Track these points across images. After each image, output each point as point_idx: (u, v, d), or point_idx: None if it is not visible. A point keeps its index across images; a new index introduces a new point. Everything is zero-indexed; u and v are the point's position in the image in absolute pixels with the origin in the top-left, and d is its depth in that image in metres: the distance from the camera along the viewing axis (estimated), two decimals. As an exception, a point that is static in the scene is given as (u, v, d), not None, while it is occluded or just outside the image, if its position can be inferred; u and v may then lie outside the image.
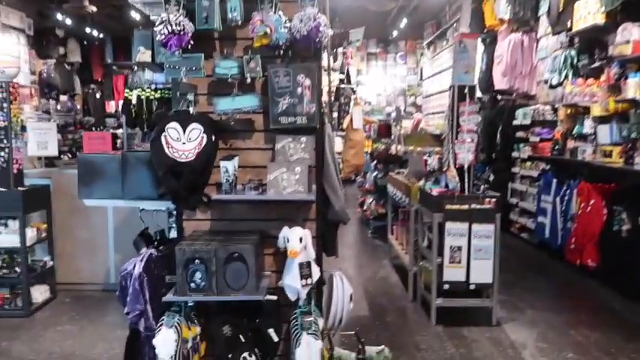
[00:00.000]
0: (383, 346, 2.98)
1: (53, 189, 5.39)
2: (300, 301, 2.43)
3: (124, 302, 2.71)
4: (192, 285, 2.26)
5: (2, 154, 4.80)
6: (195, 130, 2.39)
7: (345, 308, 2.76)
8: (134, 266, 2.67)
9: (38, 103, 10.40)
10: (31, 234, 4.91)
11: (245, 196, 2.30)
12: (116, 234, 5.44)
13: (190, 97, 2.53)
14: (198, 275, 2.25)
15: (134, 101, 3.46)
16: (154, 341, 2.26)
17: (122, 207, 2.86)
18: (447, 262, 4.53)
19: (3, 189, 4.79)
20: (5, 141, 4.79)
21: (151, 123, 2.61)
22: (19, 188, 4.84)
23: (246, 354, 2.31)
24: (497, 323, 4.66)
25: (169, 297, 2.30)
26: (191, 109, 2.53)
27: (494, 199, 4.54)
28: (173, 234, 4.44)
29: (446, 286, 4.56)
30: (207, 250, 2.24)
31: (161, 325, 2.31)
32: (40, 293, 5.05)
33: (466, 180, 4.66)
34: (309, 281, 2.36)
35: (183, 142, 2.40)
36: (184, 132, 2.40)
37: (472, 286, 4.56)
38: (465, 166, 4.63)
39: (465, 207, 4.50)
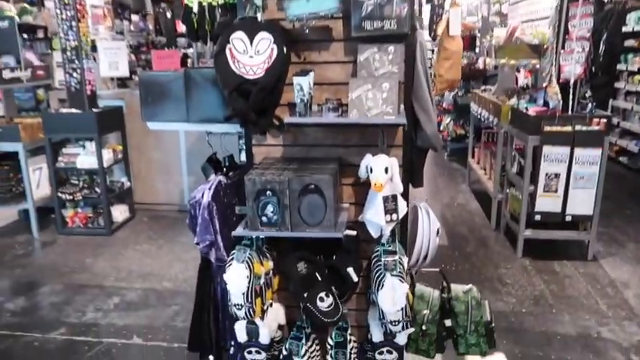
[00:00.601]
0: (470, 285, 2.67)
1: (126, 110, 5.36)
2: (384, 239, 2.15)
3: (194, 231, 2.57)
4: (264, 219, 2.03)
5: (75, 75, 4.74)
6: (264, 40, 2.04)
7: (431, 244, 2.45)
8: (202, 195, 2.49)
9: (112, 24, 10.37)
10: (107, 155, 4.95)
11: (322, 119, 1.96)
12: (188, 156, 5.40)
13: (258, 1, 2.15)
14: (269, 208, 2.01)
15: (195, 9, 3.12)
16: (225, 277, 2.10)
17: (192, 129, 2.62)
18: (540, 190, 4.04)
19: (78, 111, 4.79)
20: (77, 61, 4.71)
21: (214, 34, 2.28)
22: (94, 110, 4.82)
23: (322, 294, 2.11)
24: (593, 258, 4.20)
25: (239, 231, 2.10)
26: (259, 16, 2.16)
27: (604, 120, 3.89)
28: (244, 158, 4.28)
29: (537, 217, 4.11)
30: (279, 180, 1.97)
31: (232, 259, 2.14)
32: (119, 213, 5.19)
33: (570, 97, 4.02)
34: (394, 217, 2.05)
35: (251, 56, 2.07)
36: (251, 43, 2.05)
37: (568, 218, 4.08)
38: (571, 81, 3.96)
39: (568, 129, 3.91)
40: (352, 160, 2.28)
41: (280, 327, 2.45)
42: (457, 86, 5.53)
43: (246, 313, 2.12)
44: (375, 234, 2.13)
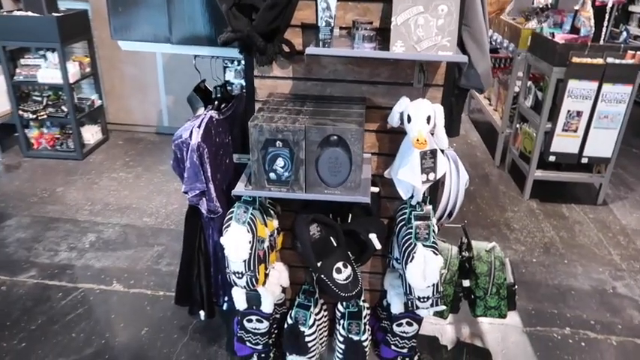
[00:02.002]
0: (494, 244, 2.39)
1: (92, 15, 4.64)
2: (414, 200, 1.79)
3: (181, 177, 2.17)
4: (272, 175, 1.63)
5: (28, -31, 3.99)
6: (274, -62, 1.51)
7: (459, 199, 2.11)
8: (190, 134, 2.05)
9: None
10: (73, 69, 4.33)
11: (355, 52, 1.49)
12: (166, 72, 4.80)
13: None
14: (280, 163, 1.61)
15: None
16: (222, 241, 1.74)
17: (176, 52, 2.11)
18: (559, 129, 3.70)
19: (35, 14, 4.09)
20: (29, -47, 3.93)
21: None
22: (54, 14, 4.12)
23: (339, 264, 1.77)
24: (603, 202, 3.98)
25: (240, 189, 1.70)
26: None
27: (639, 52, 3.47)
28: (229, 77, 3.75)
29: (552, 158, 3.80)
30: (294, 129, 1.54)
31: (230, 219, 1.77)
32: (91, 134, 4.68)
33: (605, 24, 3.55)
34: (430, 177, 1.68)
35: (256, -41, 1.55)
36: (257, -59, 1.53)
37: (584, 160, 3.78)
38: (609, 4, 3.47)
39: (599, 61, 3.48)
40: (378, 100, 1.85)
41: (283, 288, 2.15)
42: (504, 11, 4.91)
43: (247, 282, 1.79)
44: (405, 195, 1.76)
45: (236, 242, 1.73)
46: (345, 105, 1.73)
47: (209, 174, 2.07)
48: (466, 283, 2.35)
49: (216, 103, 2.21)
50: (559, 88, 3.65)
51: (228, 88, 2.38)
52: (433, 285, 1.73)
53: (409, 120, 1.60)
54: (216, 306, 2.45)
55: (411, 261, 1.70)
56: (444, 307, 1.94)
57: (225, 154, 2.23)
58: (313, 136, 1.56)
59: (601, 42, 3.60)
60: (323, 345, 2.18)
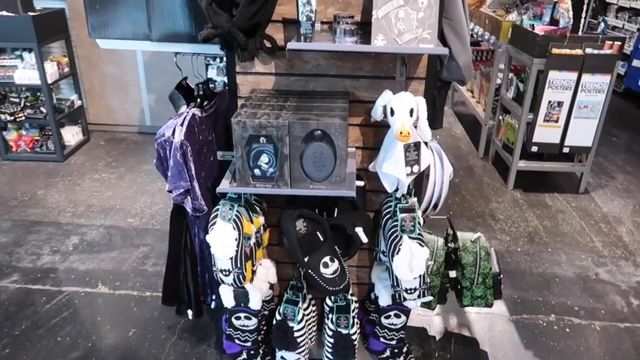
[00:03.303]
0: (479, 234, 2.42)
1: (70, 14, 4.56)
2: (399, 192, 1.80)
3: (165, 175, 2.14)
4: (257, 172, 1.62)
5: (2, -32, 3.90)
6: None
7: (443, 192, 2.12)
8: (173, 132, 2.02)
9: None
10: (51, 69, 4.25)
11: (337, 46, 1.48)
12: (147, 70, 4.73)
13: None
14: (264, 159, 1.60)
15: None
16: (208, 238, 1.73)
17: (156, 50, 2.08)
18: (540, 119, 3.75)
19: (10, 13, 4.01)
20: (1, -49, 3.85)
21: None
22: (30, 13, 4.04)
23: (326, 258, 1.78)
24: (585, 191, 4.05)
25: (225, 187, 1.69)
26: None
27: (617, 43, 3.52)
28: (212, 74, 3.72)
29: (534, 148, 3.85)
30: (277, 124, 1.53)
31: (215, 216, 1.76)
32: (71, 135, 4.61)
33: (583, 15, 3.60)
34: (415, 169, 1.69)
35: (234, -47, 1.53)
36: None
37: (566, 150, 3.84)
38: (587, -3, 3.52)
39: (578, 52, 3.53)
40: (361, 94, 1.85)
41: (271, 285, 2.14)
42: (482, 4, 4.93)
43: (234, 279, 1.78)
44: (390, 188, 1.77)
45: (222, 240, 1.72)
46: (329, 99, 1.73)
47: (193, 172, 2.05)
48: (452, 273, 2.37)
49: (198, 100, 2.19)
50: (540, 79, 3.69)
51: (211, 85, 2.36)
52: (420, 276, 1.74)
53: (392, 113, 1.60)
54: (204, 305, 2.44)
55: (397, 253, 1.71)
56: (431, 298, 1.95)
57: (209, 151, 2.21)
58: (297, 131, 1.55)
59: (580, 33, 3.65)
60: (312, 340, 2.18)
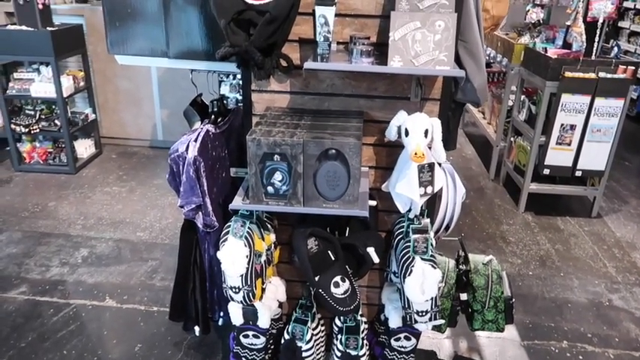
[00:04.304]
0: (491, 257, 2.39)
1: (87, 30, 4.65)
2: (411, 213, 1.79)
3: (177, 191, 2.15)
4: (270, 189, 1.62)
5: (24, -16, 3.99)
6: (272, -47, 1.52)
7: (455, 213, 2.11)
8: (187, 148, 2.04)
9: None
10: (67, 83, 4.32)
11: (353, 67, 1.49)
12: (161, 85, 4.79)
13: None
14: (278, 177, 1.60)
15: None
16: (219, 255, 1.73)
17: (173, 67, 2.11)
18: (553, 142, 3.73)
19: (30, 28, 4.09)
20: (24, -32, 3.94)
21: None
22: (48, 28, 4.12)
23: (337, 278, 1.76)
24: (597, 215, 4.00)
25: (237, 204, 1.69)
26: None
27: (631, 67, 3.52)
28: (224, 91, 3.75)
29: (546, 171, 3.82)
30: (292, 143, 1.54)
31: (227, 233, 1.75)
32: (84, 148, 4.65)
33: (596, 39, 3.60)
34: (428, 190, 1.68)
35: (254, -26, 1.56)
36: (255, -44, 1.54)
37: (578, 173, 3.81)
38: (600, 20, 3.53)
39: (591, 75, 3.53)
40: (375, 114, 1.85)
41: (280, 303, 2.12)
42: (500, 24, 4.96)
43: (244, 297, 1.76)
44: (402, 208, 1.76)
45: (233, 256, 1.71)
46: (343, 119, 1.73)
47: (205, 188, 2.05)
48: (464, 296, 2.33)
49: (212, 116, 2.21)
50: (552, 101, 3.68)
51: (224, 101, 2.38)
52: (432, 299, 1.72)
53: (407, 134, 1.60)
54: (212, 321, 2.42)
55: (409, 275, 1.69)
56: (442, 322, 1.92)
57: (221, 167, 2.22)
58: (311, 149, 1.55)
59: (593, 57, 3.65)
60: (320, 361, 2.15)
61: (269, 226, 1.92)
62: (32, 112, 4.39)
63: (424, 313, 1.74)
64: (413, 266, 1.69)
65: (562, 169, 3.81)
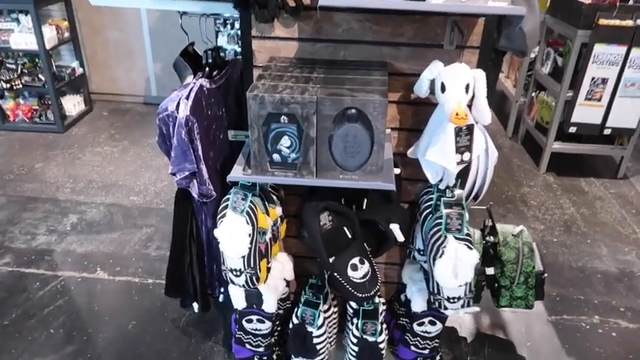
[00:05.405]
0: (522, 227, 2.14)
1: (69, -27, 4.23)
2: (443, 184, 1.52)
3: (168, 155, 1.88)
4: (276, 157, 1.35)
5: None
6: None
7: (487, 180, 1.84)
8: (177, 106, 1.74)
9: None
10: (50, 33, 3.96)
11: (382, 3, 1.18)
12: (153, 35, 4.41)
13: None
14: (285, 142, 1.32)
15: None
16: (217, 233, 1.47)
17: (158, 8, 1.78)
18: (581, 98, 3.41)
19: (4, -29, 3.69)
20: None
21: None
22: (25, -30, 3.72)
23: (355, 259, 1.51)
24: (623, 176, 3.73)
25: (237, 175, 1.42)
26: None
27: (675, 13, 3.15)
28: (222, 42, 3.39)
29: (572, 129, 3.52)
30: (303, 100, 1.25)
31: (225, 207, 1.49)
32: (72, 105, 4.33)
33: (636, -18, 3.22)
34: (465, 157, 1.40)
35: None
36: None
37: (607, 131, 3.51)
38: (643, -40, 3.13)
39: (629, 23, 3.16)
40: (401, 66, 1.55)
41: (287, 282, 1.89)
42: None
43: (247, 281, 1.52)
44: (433, 178, 1.49)
45: (233, 235, 1.45)
46: (364, 71, 1.43)
47: (200, 152, 1.78)
48: (490, 271, 2.10)
49: (207, 69, 1.89)
50: (582, 53, 3.34)
51: (221, 54, 2.06)
52: (466, 284, 1.48)
53: (443, 89, 1.31)
54: (211, 298, 2.20)
55: (440, 256, 1.44)
56: (477, 309, 1.70)
57: (218, 128, 1.93)
58: (327, 109, 1.26)
59: (630, 2, 3.27)
60: (332, 344, 1.94)
61: (274, 197, 1.65)
62: (14, 66, 4.04)
63: (456, 300, 1.50)
64: (445, 247, 1.44)
65: (590, 127, 3.51)
